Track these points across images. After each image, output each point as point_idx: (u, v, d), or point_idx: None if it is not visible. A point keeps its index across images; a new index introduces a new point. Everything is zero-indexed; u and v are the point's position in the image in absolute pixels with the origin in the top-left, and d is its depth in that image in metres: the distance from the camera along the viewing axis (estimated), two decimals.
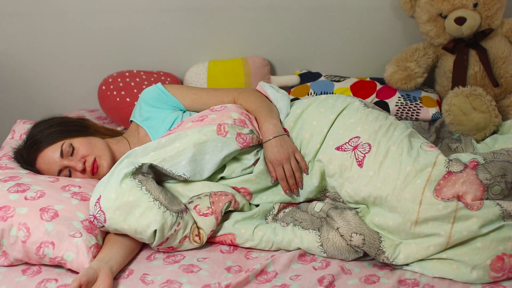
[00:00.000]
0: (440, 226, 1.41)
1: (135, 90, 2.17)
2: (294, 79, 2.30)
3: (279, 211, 1.64)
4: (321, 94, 2.19)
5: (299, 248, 1.52)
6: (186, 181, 1.59)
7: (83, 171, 1.71)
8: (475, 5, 2.00)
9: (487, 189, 1.43)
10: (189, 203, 1.57)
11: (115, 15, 2.28)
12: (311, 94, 2.20)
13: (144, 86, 2.16)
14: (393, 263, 1.44)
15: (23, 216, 1.48)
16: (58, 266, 1.48)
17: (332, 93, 2.16)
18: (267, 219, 1.62)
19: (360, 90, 2.16)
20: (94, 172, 1.72)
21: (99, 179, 1.64)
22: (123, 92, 2.17)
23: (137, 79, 2.22)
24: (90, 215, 1.51)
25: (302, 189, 1.65)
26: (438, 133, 1.96)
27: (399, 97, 2.11)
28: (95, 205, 1.48)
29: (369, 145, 1.56)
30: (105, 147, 1.76)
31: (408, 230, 1.43)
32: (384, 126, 1.60)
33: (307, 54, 2.36)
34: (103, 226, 1.49)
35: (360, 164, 1.53)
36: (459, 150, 1.82)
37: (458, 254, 1.40)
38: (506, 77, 2.02)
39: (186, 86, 1.99)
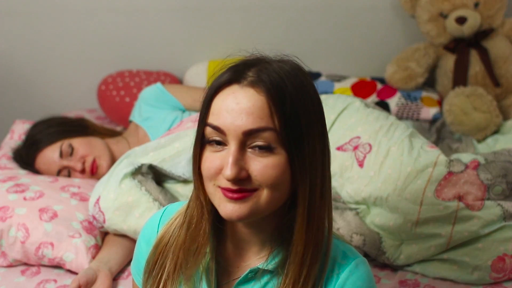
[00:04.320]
0: (441, 227, 1.40)
1: (135, 90, 2.16)
2: None
3: None
4: (321, 94, 2.18)
5: None
6: (185, 181, 1.58)
7: (83, 171, 1.71)
8: (476, 5, 1.99)
9: (488, 189, 1.43)
10: None
11: (115, 15, 2.27)
12: None
13: (143, 86, 2.16)
14: (394, 263, 1.44)
15: (22, 216, 1.47)
16: (57, 266, 1.48)
17: (333, 93, 2.16)
18: None
19: (361, 90, 2.16)
20: (94, 172, 1.72)
21: (99, 179, 1.64)
22: (122, 92, 2.17)
23: (137, 79, 2.21)
24: (89, 215, 1.51)
25: None
26: (439, 133, 1.96)
27: (399, 97, 2.10)
28: (95, 205, 1.47)
29: (370, 145, 1.55)
30: (104, 147, 1.75)
31: (408, 230, 1.43)
32: (385, 126, 1.59)
33: (308, 53, 2.33)
34: (103, 226, 1.48)
35: (361, 164, 1.53)
36: (460, 151, 1.81)
37: (459, 255, 1.40)
38: (507, 77, 2.01)
39: (185, 86, 1.99)
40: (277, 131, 0.84)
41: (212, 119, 0.85)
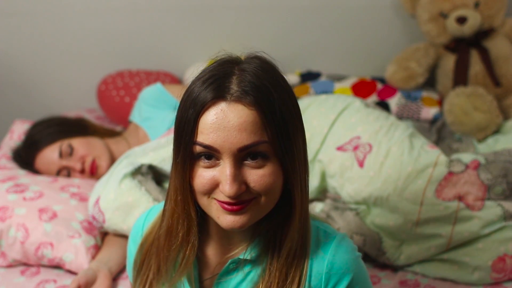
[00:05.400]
0: (441, 227, 1.40)
1: (134, 90, 2.16)
2: (294, 78, 2.30)
3: None
4: (321, 94, 2.18)
5: None
6: None
7: (82, 171, 1.71)
8: (476, 5, 1.99)
9: (488, 189, 1.42)
10: None
11: (115, 15, 2.27)
12: (311, 94, 2.19)
13: (143, 86, 2.16)
14: (394, 264, 1.44)
15: (22, 216, 1.47)
16: (57, 267, 1.47)
17: (333, 93, 2.16)
18: None
19: (361, 90, 2.15)
20: (93, 173, 1.72)
21: (98, 179, 1.63)
22: (122, 92, 2.16)
23: (137, 79, 2.21)
24: (89, 215, 1.51)
25: None
26: (439, 133, 1.95)
27: (400, 97, 2.10)
28: (94, 205, 1.47)
29: (370, 145, 1.55)
30: (104, 148, 1.75)
31: (409, 230, 1.42)
32: (385, 126, 1.59)
33: (307, 53, 2.35)
34: (102, 226, 1.48)
35: (361, 164, 1.53)
36: (460, 151, 1.81)
37: (459, 255, 1.40)
38: (507, 77, 2.01)
39: (185, 85, 1.97)
40: (271, 142, 0.85)
41: (202, 138, 0.84)
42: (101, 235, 1.52)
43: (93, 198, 1.49)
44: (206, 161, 0.86)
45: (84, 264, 1.42)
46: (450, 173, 1.44)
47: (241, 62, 0.89)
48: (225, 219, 0.87)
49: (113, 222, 1.45)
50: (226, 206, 0.85)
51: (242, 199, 0.85)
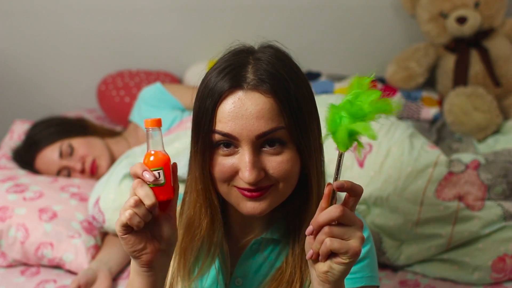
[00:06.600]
0: (441, 227, 1.40)
1: (134, 90, 2.16)
2: None
3: None
4: (321, 94, 2.18)
5: None
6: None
7: (82, 171, 1.71)
8: (476, 5, 1.99)
9: (488, 189, 1.42)
10: None
11: (115, 15, 2.27)
12: None
13: (143, 86, 2.16)
14: (394, 264, 1.44)
15: (22, 216, 1.47)
16: (57, 267, 1.47)
17: (333, 93, 2.16)
18: None
19: None
20: (93, 173, 1.72)
21: (98, 180, 1.63)
22: (122, 92, 2.16)
23: (136, 79, 2.21)
24: (89, 215, 1.51)
25: None
26: (439, 133, 1.95)
27: (400, 97, 2.10)
28: (94, 205, 1.47)
29: (370, 145, 1.55)
30: (104, 148, 1.75)
31: (409, 230, 1.42)
32: (385, 126, 1.59)
33: (307, 53, 2.34)
34: (102, 227, 1.48)
35: (361, 165, 1.53)
36: (460, 151, 1.81)
37: (460, 255, 1.39)
38: (507, 77, 2.01)
39: (185, 85, 1.98)
40: (288, 128, 0.86)
41: (220, 126, 0.86)
42: (101, 235, 1.52)
43: (93, 198, 1.48)
44: (225, 149, 0.87)
45: (84, 264, 1.42)
46: (450, 173, 1.44)
47: (255, 52, 0.92)
48: (245, 206, 0.88)
49: (113, 222, 1.45)
50: (246, 192, 0.87)
51: (261, 186, 0.87)
